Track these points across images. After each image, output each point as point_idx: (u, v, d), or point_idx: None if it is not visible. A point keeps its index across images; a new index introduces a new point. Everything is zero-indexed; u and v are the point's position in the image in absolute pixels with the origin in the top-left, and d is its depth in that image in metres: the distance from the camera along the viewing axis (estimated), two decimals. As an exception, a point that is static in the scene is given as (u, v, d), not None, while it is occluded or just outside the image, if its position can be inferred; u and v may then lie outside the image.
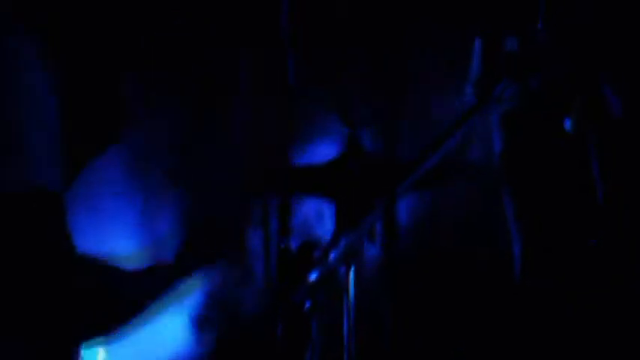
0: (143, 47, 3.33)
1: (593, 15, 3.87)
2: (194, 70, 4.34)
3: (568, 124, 3.88)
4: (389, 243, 3.96)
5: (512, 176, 4.08)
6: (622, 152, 3.90)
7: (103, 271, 3.49)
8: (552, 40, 3.83)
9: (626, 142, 3.90)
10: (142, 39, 3.42)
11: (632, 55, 3.89)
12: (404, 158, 4.59)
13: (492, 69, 4.03)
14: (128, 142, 3.65)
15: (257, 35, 4.22)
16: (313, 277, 3.73)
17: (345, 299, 3.84)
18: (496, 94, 4.03)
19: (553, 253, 3.99)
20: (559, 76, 3.89)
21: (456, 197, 4.85)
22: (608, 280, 3.87)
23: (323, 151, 4.51)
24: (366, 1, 4.85)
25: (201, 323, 4.87)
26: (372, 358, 3.98)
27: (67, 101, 2.30)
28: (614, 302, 3.85)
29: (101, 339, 2.42)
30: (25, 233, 2.07)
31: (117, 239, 4.12)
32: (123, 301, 3.40)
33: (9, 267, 2.03)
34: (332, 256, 3.76)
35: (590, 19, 3.87)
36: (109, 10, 2.88)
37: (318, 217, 4.67)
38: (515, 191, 4.08)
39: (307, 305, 3.75)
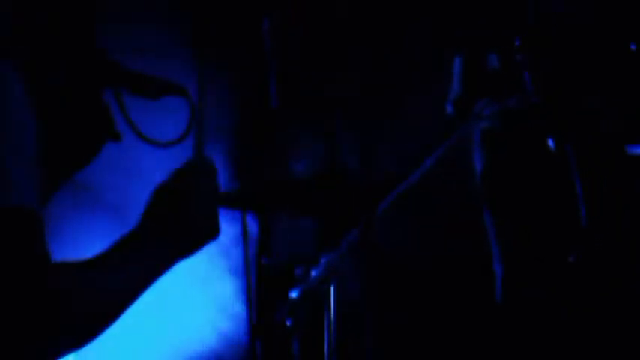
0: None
1: (574, 29, 3.89)
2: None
3: (551, 143, 3.89)
4: (370, 259, 3.96)
5: (493, 195, 4.09)
6: (604, 169, 3.91)
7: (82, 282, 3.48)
8: (530, 57, 3.85)
9: (609, 158, 3.92)
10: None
11: (615, 68, 3.91)
12: (386, 175, 4.60)
13: (472, 87, 4.05)
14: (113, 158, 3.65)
15: (239, 57, 4.23)
16: (294, 294, 3.73)
17: (326, 316, 3.85)
18: (476, 111, 4.05)
19: (535, 271, 4.00)
20: (537, 95, 3.91)
21: (440, 212, 4.86)
22: (592, 295, 3.88)
23: (304, 169, 4.51)
24: (351, 26, 4.87)
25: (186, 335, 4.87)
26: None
27: (45, 118, 2.28)
28: (602, 320, 3.87)
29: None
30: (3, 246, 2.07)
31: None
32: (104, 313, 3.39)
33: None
34: (313, 273, 3.76)
35: (571, 34, 3.89)
36: (86, 27, 2.87)
37: (299, 234, 4.67)
38: (496, 210, 4.08)
39: (289, 323, 3.74)
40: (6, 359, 2.02)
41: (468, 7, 4.04)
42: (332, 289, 3.81)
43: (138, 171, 4.51)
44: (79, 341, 2.12)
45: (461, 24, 4.12)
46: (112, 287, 2.19)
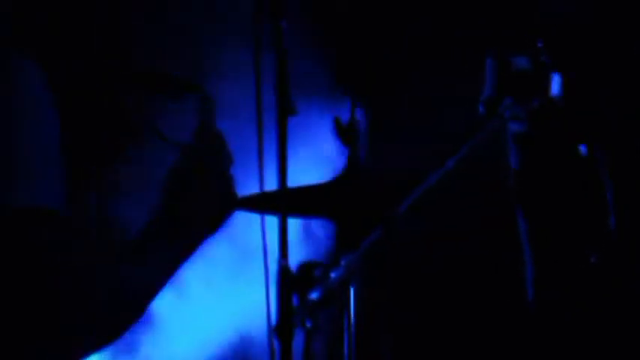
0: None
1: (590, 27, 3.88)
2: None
3: (583, 147, 3.89)
4: (390, 261, 3.94)
5: (526, 196, 4.09)
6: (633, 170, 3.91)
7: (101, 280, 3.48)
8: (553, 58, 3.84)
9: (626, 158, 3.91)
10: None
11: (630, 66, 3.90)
12: (405, 175, 4.58)
13: (502, 88, 4.04)
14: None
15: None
16: (314, 296, 3.71)
17: (345, 318, 3.83)
18: (500, 113, 4.04)
19: (564, 272, 3.99)
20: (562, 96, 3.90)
21: (460, 214, 4.84)
22: (618, 296, 3.87)
23: (323, 171, 4.49)
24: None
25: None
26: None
27: (68, 118, 2.29)
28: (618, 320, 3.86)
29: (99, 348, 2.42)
30: (24, 245, 2.07)
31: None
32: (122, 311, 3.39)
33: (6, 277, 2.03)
34: (333, 275, 3.74)
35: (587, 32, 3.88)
36: (106, 27, 2.87)
37: (318, 236, 4.65)
38: (529, 211, 4.08)
39: (308, 325, 3.73)
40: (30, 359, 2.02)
41: (490, 7, 4.03)
42: (352, 290, 3.80)
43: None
44: (103, 341, 2.12)
45: (485, 24, 4.11)
46: (138, 280, 2.19)
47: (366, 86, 4.80)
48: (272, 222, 3.95)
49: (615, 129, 3.91)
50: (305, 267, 3.84)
